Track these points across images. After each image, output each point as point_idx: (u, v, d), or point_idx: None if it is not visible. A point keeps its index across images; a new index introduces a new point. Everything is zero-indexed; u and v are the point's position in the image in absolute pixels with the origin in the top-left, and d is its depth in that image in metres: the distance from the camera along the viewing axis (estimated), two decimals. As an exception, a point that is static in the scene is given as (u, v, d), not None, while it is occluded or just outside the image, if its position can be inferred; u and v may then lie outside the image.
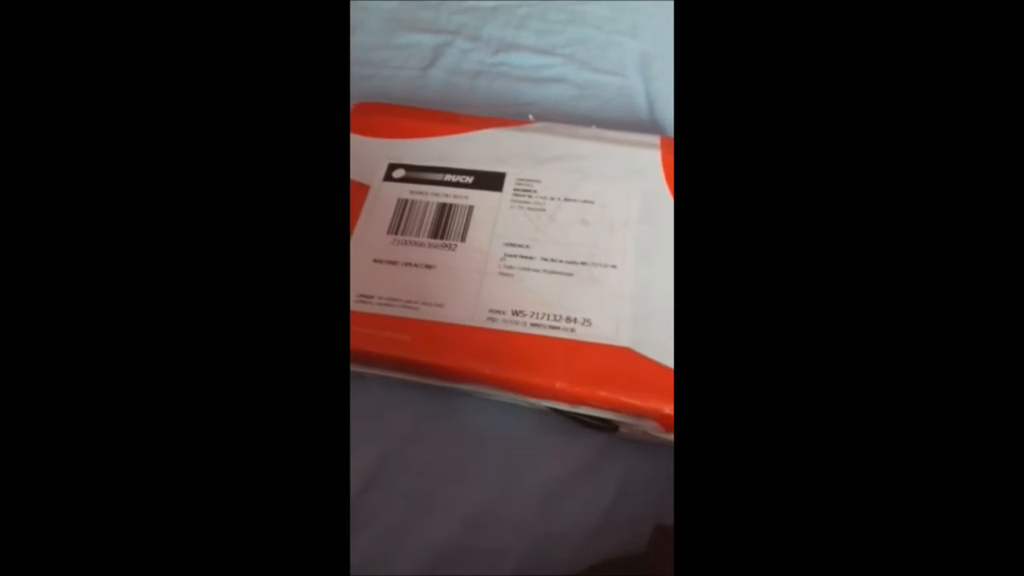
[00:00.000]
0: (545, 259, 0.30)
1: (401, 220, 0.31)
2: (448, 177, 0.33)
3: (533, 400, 0.28)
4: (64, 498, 0.16)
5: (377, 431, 0.30)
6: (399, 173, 0.33)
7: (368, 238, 0.31)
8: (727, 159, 0.17)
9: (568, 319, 0.28)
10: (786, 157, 0.17)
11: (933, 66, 0.17)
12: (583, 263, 0.30)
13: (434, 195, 0.32)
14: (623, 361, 0.27)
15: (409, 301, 0.29)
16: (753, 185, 0.17)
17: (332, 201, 0.18)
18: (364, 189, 0.33)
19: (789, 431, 0.16)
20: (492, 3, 0.50)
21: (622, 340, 0.28)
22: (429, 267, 0.30)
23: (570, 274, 0.30)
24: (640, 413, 0.27)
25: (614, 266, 0.30)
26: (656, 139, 0.34)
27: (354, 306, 0.29)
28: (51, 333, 0.17)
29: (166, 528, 0.16)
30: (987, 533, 0.16)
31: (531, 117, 0.37)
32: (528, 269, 0.30)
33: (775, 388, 0.17)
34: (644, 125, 0.42)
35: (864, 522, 0.16)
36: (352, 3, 0.49)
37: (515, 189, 0.32)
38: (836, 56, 0.17)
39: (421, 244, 0.31)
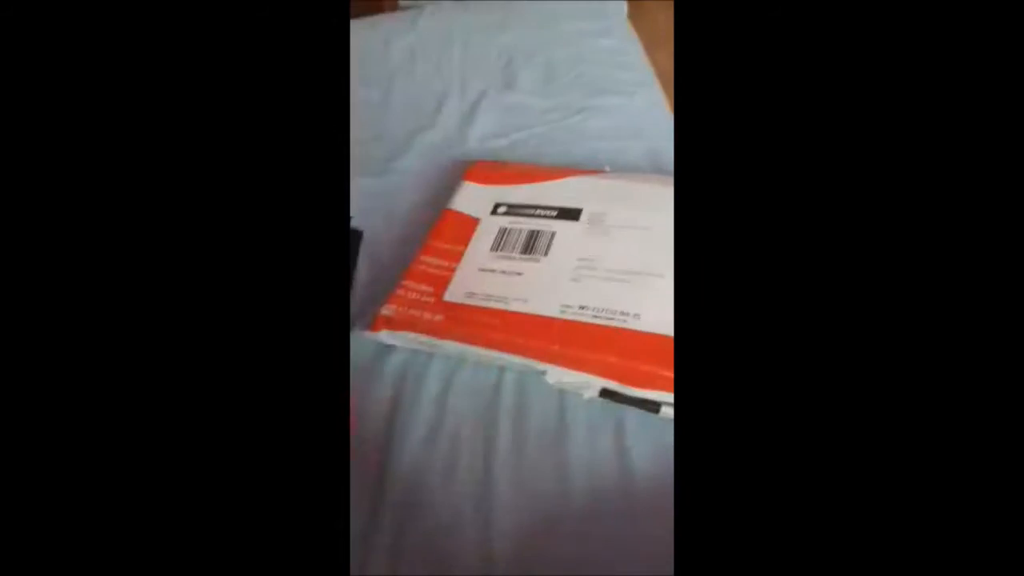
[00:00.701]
0: (607, 270, 0.39)
1: (501, 241, 0.42)
2: (538, 212, 0.43)
3: (590, 376, 0.36)
4: (59, 508, 0.16)
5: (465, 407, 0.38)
6: (502, 209, 0.44)
7: (476, 254, 0.41)
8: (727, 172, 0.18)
9: (622, 312, 0.37)
10: (786, 167, 0.17)
11: (935, 75, 0.16)
12: (636, 273, 0.38)
13: (526, 224, 0.42)
14: (665, 346, 0.35)
15: (503, 297, 0.39)
16: (754, 196, 0.17)
17: (331, 212, 0.17)
18: (475, 222, 0.44)
19: (785, 433, 0.17)
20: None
21: (664, 330, 0.36)
22: (519, 274, 0.40)
23: (626, 280, 0.38)
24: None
25: (661, 275, 0.38)
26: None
27: (462, 300, 0.39)
28: (58, 342, 0.16)
29: (163, 531, 0.16)
30: (987, 533, 0.15)
31: (607, 168, 0.46)
32: (594, 276, 0.39)
33: (774, 388, 0.17)
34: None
35: (861, 523, 0.16)
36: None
37: (589, 220, 0.42)
38: (837, 62, 0.17)
39: (514, 258, 0.41)
